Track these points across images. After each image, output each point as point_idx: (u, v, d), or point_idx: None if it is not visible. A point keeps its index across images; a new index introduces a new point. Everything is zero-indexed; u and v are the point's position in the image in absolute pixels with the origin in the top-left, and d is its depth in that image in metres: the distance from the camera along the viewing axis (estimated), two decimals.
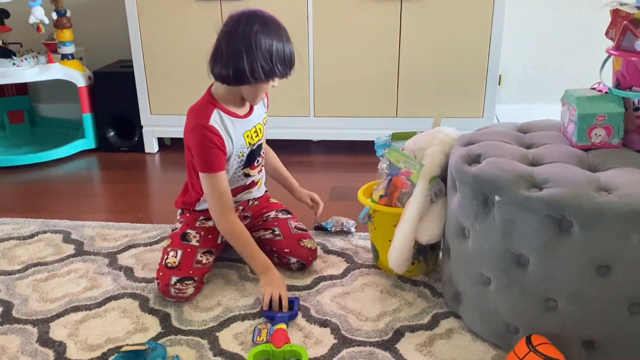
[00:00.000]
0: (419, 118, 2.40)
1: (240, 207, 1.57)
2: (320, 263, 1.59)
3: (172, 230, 1.54)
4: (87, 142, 2.60)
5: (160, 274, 1.40)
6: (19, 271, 1.57)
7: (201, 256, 1.44)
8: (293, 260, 1.50)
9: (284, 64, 1.34)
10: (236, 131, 1.42)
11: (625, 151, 1.23)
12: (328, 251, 1.65)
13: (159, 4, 2.38)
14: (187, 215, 1.54)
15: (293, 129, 2.48)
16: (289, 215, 1.61)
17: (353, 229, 1.75)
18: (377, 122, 2.45)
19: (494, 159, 1.21)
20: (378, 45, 2.35)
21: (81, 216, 1.93)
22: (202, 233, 1.49)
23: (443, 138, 1.42)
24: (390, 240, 1.42)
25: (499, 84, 2.71)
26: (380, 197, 1.49)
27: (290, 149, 2.52)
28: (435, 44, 2.33)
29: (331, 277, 1.52)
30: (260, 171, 1.56)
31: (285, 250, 1.51)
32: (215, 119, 1.38)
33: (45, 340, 1.29)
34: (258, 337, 1.28)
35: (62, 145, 2.53)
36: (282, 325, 1.28)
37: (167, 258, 1.41)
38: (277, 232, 1.55)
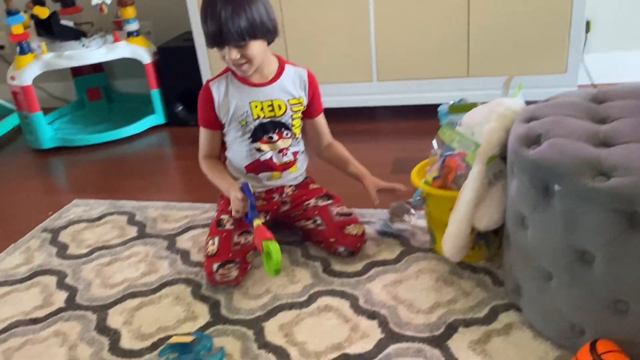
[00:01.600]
0: (494, 77, 2.19)
1: (275, 195, 1.53)
2: (374, 247, 1.51)
3: (212, 219, 1.54)
4: (157, 117, 2.65)
5: (205, 264, 1.40)
6: (85, 255, 1.64)
7: (238, 237, 1.43)
8: (341, 249, 1.44)
9: (207, 34, 1.34)
10: (241, 97, 1.44)
11: None
12: (383, 232, 1.58)
13: None
14: (222, 201, 1.53)
15: (355, 96, 2.36)
16: (330, 201, 1.53)
17: (412, 218, 1.60)
18: (447, 84, 2.27)
19: (556, 140, 1.06)
20: None
21: (148, 196, 1.98)
22: None
23: (503, 112, 1.27)
24: (447, 225, 1.32)
25: (589, 31, 2.42)
26: (434, 178, 1.38)
27: (354, 117, 2.41)
28: None
29: (384, 263, 1.45)
30: (282, 153, 1.49)
31: (331, 240, 1.45)
32: (220, 80, 1.46)
33: (102, 328, 1.34)
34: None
35: (135, 121, 2.60)
36: (257, 222, 1.37)
37: (208, 248, 1.41)
38: (318, 222, 1.48)
